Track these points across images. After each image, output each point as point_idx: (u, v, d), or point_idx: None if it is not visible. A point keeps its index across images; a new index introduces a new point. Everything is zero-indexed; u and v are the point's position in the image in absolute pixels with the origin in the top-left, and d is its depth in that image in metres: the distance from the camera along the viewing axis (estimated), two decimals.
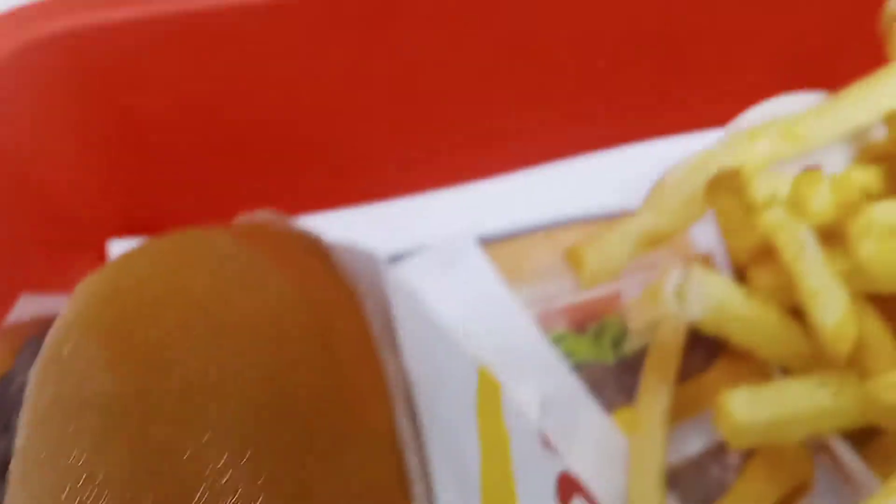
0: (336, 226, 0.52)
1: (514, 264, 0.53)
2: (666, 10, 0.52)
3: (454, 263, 0.52)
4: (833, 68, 0.55)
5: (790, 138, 0.44)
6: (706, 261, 0.53)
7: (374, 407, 0.24)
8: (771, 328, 0.39)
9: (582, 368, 0.49)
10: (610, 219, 0.55)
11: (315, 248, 0.29)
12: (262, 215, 0.31)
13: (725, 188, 0.39)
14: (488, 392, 0.33)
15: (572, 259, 0.44)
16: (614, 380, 0.49)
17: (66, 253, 0.51)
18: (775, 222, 0.40)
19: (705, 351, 0.49)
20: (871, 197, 0.47)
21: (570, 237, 0.54)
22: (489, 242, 0.53)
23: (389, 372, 0.25)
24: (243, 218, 0.32)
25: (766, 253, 0.41)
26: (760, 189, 0.43)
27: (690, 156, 0.45)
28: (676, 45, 0.53)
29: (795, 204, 0.40)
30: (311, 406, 0.22)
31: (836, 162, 0.55)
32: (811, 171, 0.52)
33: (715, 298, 0.39)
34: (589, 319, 0.51)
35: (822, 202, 0.40)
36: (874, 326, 0.38)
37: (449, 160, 0.52)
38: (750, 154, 0.44)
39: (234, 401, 0.21)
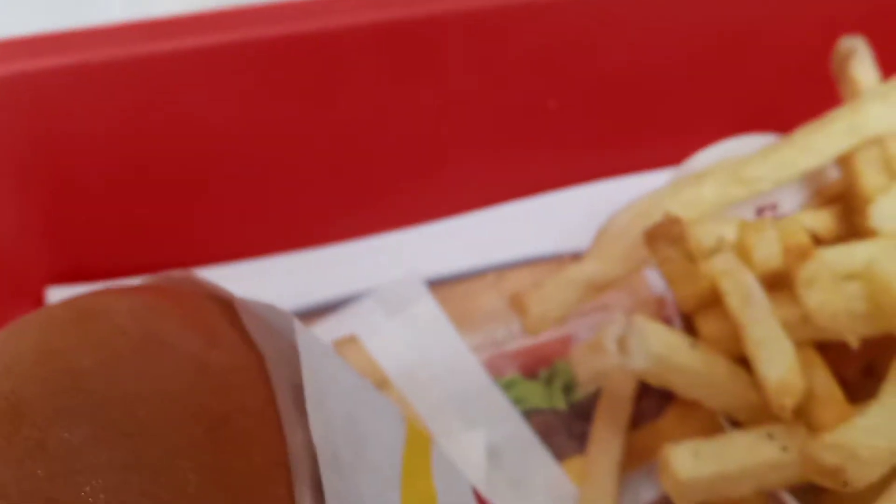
0: (278, 272, 0.52)
1: (464, 308, 0.52)
2: (618, 51, 0.52)
3: (402, 307, 0.50)
4: (786, 109, 0.55)
5: (737, 182, 0.44)
6: (660, 303, 0.52)
7: (271, 485, 0.23)
8: (717, 379, 0.38)
9: (533, 415, 0.48)
10: (561, 260, 0.54)
11: (226, 310, 0.28)
12: (177, 274, 0.30)
13: (665, 237, 0.38)
14: (416, 446, 0.32)
15: (516, 306, 0.43)
16: (566, 427, 0.48)
17: (3, 300, 0.50)
18: (721, 269, 0.39)
19: (658, 397, 0.48)
20: (823, 240, 0.47)
21: (521, 279, 0.54)
22: (437, 285, 0.52)
23: (294, 444, 0.24)
24: (158, 276, 0.31)
25: (713, 300, 0.40)
26: (706, 235, 0.43)
27: (635, 200, 0.44)
28: (628, 86, 0.53)
29: (741, 251, 0.40)
30: (198, 494, 0.21)
31: (793, 201, 0.54)
32: (758, 219, 0.52)
33: (658, 349, 0.37)
34: (540, 364, 0.50)
35: (767, 250, 0.39)
36: (823, 377, 0.37)
37: (394, 203, 0.51)
38: (696, 199, 0.43)
39: (110, 491, 0.20)
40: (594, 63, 0.52)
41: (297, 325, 0.29)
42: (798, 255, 0.40)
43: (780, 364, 0.35)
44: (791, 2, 0.52)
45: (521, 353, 0.50)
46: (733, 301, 0.38)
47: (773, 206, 0.52)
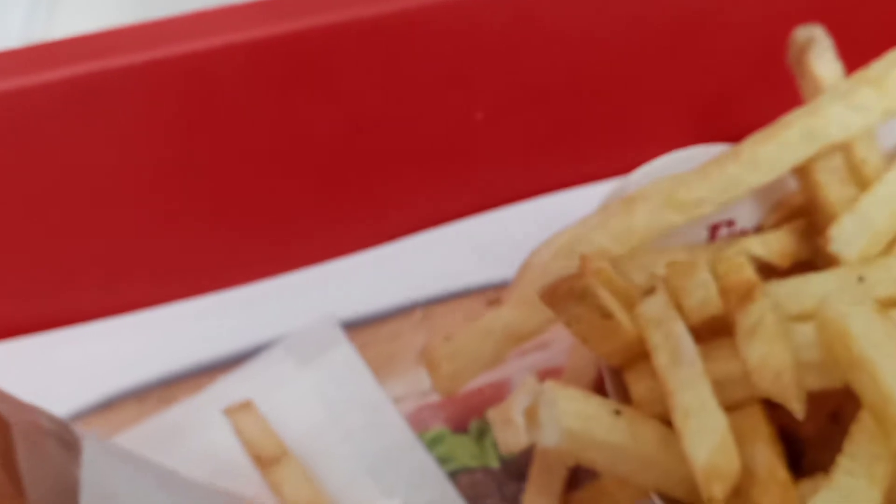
0: (169, 324, 0.46)
1: (387, 352, 0.46)
2: (549, 53, 0.46)
3: (316, 355, 0.45)
4: (744, 108, 0.49)
5: (673, 207, 0.38)
6: None
7: None
8: (646, 452, 0.33)
9: (461, 475, 0.43)
10: (498, 291, 0.49)
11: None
12: None
13: (568, 295, 0.32)
14: None
15: (426, 362, 0.38)
16: (498, 488, 0.43)
17: None
18: (649, 317, 0.34)
19: None
20: (778, 268, 0.41)
21: (452, 316, 0.48)
22: (356, 327, 0.47)
23: None
24: None
25: (645, 352, 0.35)
26: (636, 272, 0.37)
27: (557, 233, 0.39)
28: (563, 91, 0.47)
29: (672, 296, 0.34)
30: None
31: (751, 215, 0.48)
32: (710, 241, 0.46)
33: (572, 423, 0.32)
34: (471, 415, 0.45)
35: (702, 295, 0.33)
36: (765, 452, 0.31)
37: (304, 237, 0.46)
38: (625, 230, 0.37)
39: None
40: (523, 67, 0.46)
41: (92, 452, 0.24)
42: (740, 297, 0.34)
43: (710, 441, 0.29)
44: None
45: (449, 403, 0.44)
46: (661, 358, 0.32)
47: (730, 223, 0.46)
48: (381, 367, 0.45)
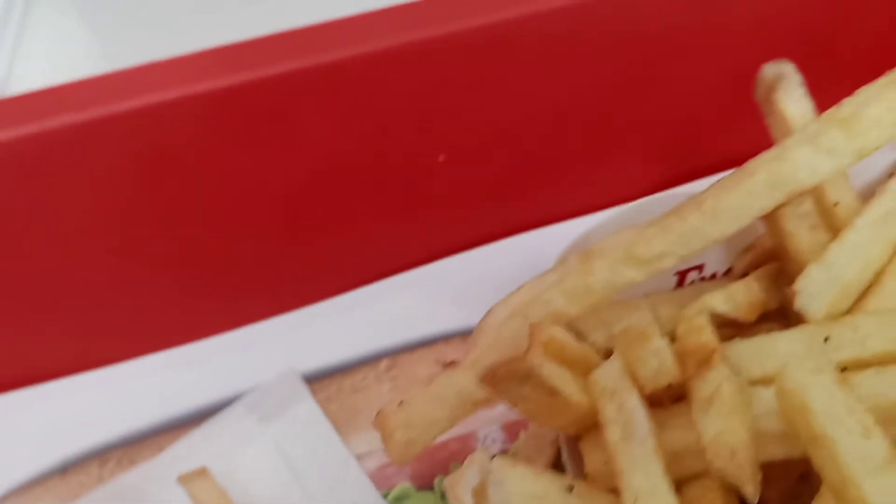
0: (146, 373, 0.45)
1: (351, 405, 0.45)
2: (516, 96, 0.44)
3: (278, 412, 0.44)
4: (711, 146, 0.47)
5: (632, 262, 0.36)
6: None
7: None
8: None
9: None
10: (465, 337, 0.47)
11: None
12: None
13: (511, 377, 0.31)
14: None
15: (381, 429, 0.36)
16: None
17: None
18: (602, 387, 0.32)
19: None
20: (744, 323, 0.39)
21: (420, 365, 0.47)
22: (320, 380, 0.46)
23: None
24: None
25: (598, 424, 0.33)
26: (595, 331, 0.35)
27: (513, 292, 0.37)
28: (530, 134, 0.45)
29: (626, 364, 0.32)
30: None
31: (720, 259, 0.46)
32: (677, 288, 0.45)
33: (523, 501, 0.31)
34: (436, 471, 0.44)
35: (657, 364, 0.32)
36: None
37: (264, 287, 0.45)
38: (581, 288, 0.36)
39: None
40: (485, 108, 0.44)
41: None
42: (697, 363, 0.32)
43: None
44: (702, 28, 0.43)
45: (413, 459, 0.43)
46: (613, 434, 0.31)
47: (699, 268, 0.45)
48: (345, 422, 0.44)
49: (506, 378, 0.29)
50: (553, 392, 0.30)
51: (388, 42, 0.41)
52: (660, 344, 0.32)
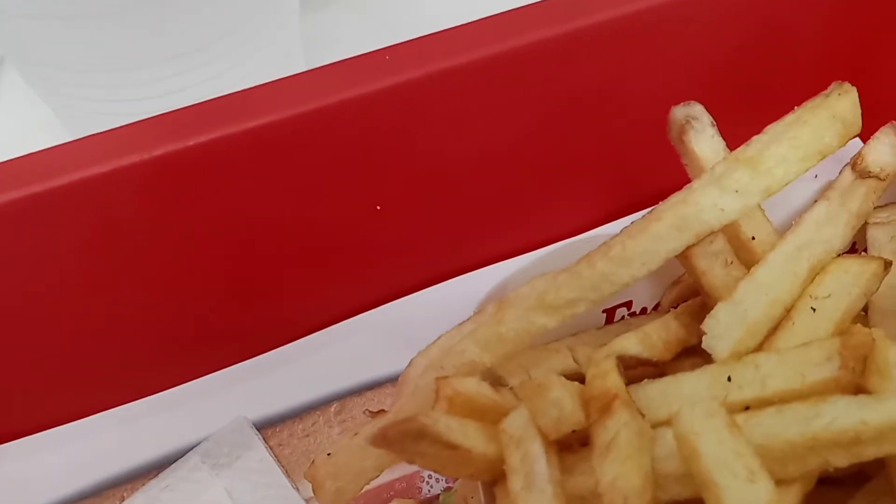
0: (99, 428, 0.47)
1: (303, 449, 0.47)
2: (448, 140, 0.46)
3: (230, 460, 0.46)
4: (651, 181, 0.48)
5: (544, 310, 0.37)
6: None
7: None
8: None
9: None
10: None
11: None
12: None
13: (406, 436, 0.32)
14: None
15: (311, 480, 0.38)
16: None
17: None
18: (509, 436, 0.33)
19: None
20: (658, 362, 0.40)
21: (366, 407, 0.48)
22: (271, 427, 0.47)
23: None
24: None
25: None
26: (510, 376, 0.37)
27: (431, 344, 0.38)
28: (466, 177, 0.46)
29: (532, 414, 0.34)
30: None
31: (647, 294, 0.47)
32: (605, 326, 0.46)
33: None
34: None
35: (558, 413, 0.33)
36: None
37: (208, 341, 0.46)
38: (495, 338, 0.37)
39: None
40: (417, 154, 0.46)
41: None
42: (599, 409, 0.33)
43: None
44: (624, 72, 0.44)
45: (362, 499, 0.45)
46: (516, 483, 0.32)
47: (627, 304, 0.46)
48: (298, 466, 0.46)
49: (399, 438, 0.31)
50: (452, 446, 0.31)
51: (313, 104, 0.42)
52: (559, 394, 0.33)
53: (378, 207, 0.47)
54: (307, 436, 0.46)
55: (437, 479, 0.45)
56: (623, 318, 0.45)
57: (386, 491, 0.45)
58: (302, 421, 0.47)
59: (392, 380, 0.48)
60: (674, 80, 0.45)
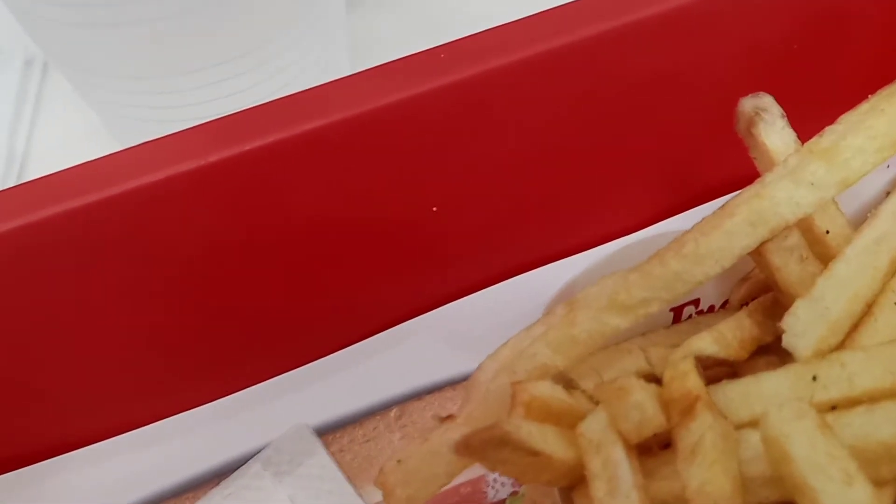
0: (162, 437, 0.47)
1: (364, 455, 0.46)
2: (504, 138, 0.45)
3: (292, 467, 0.45)
4: (706, 173, 0.47)
5: (616, 310, 0.36)
6: None
7: None
8: None
9: None
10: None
11: None
12: None
13: (488, 444, 0.31)
14: None
15: (381, 487, 0.37)
16: None
17: None
18: (588, 440, 0.33)
19: None
20: (736, 361, 0.39)
21: (428, 412, 0.48)
22: (332, 433, 0.47)
23: None
24: None
25: (587, 478, 0.34)
26: (583, 379, 0.36)
27: (501, 347, 0.38)
28: (523, 175, 0.46)
29: (611, 417, 0.33)
30: None
31: (716, 292, 0.46)
32: (673, 325, 0.45)
33: None
34: None
35: (639, 416, 0.32)
36: None
37: (268, 347, 0.46)
38: (567, 341, 0.36)
39: None
40: (474, 154, 0.45)
41: None
42: (681, 412, 0.33)
43: None
44: (684, 63, 0.43)
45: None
46: (599, 489, 0.31)
47: (695, 302, 0.45)
48: (359, 472, 0.45)
49: (482, 446, 0.30)
50: (534, 453, 0.31)
51: (369, 104, 0.42)
52: (640, 397, 0.32)
53: (434, 209, 0.46)
54: (368, 441, 0.46)
55: (502, 483, 0.44)
56: (690, 316, 0.44)
57: (451, 496, 0.44)
58: (362, 426, 0.46)
59: (452, 383, 0.48)
60: (733, 71, 0.44)
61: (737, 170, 0.42)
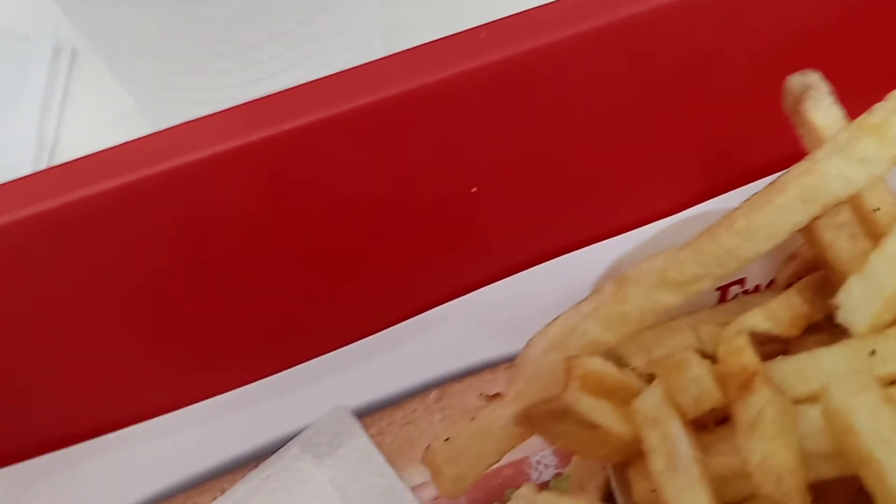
0: (201, 419, 0.47)
1: (404, 437, 0.46)
2: (544, 119, 0.44)
3: (332, 449, 0.45)
4: (752, 153, 0.47)
5: (666, 287, 0.36)
6: None
7: None
8: None
9: None
10: (510, 365, 0.48)
11: None
12: None
13: (547, 416, 0.31)
14: None
15: (429, 465, 0.37)
16: None
17: None
18: (644, 416, 0.32)
19: None
20: (788, 338, 0.38)
21: (468, 394, 0.47)
22: (371, 415, 0.46)
23: None
24: None
25: (643, 453, 0.33)
26: (635, 357, 0.36)
27: (550, 324, 0.37)
28: (562, 156, 0.45)
29: (667, 392, 0.32)
30: None
31: (763, 271, 0.46)
32: (718, 304, 0.44)
33: None
34: (492, 498, 0.44)
35: (697, 391, 0.32)
36: None
37: (308, 329, 0.46)
38: (617, 317, 0.36)
39: None
40: (513, 135, 0.45)
41: None
42: (739, 387, 0.32)
43: None
44: (728, 40, 0.43)
45: (469, 486, 0.44)
46: (657, 463, 0.31)
47: (741, 281, 0.44)
48: (399, 454, 0.45)
49: (543, 417, 0.30)
50: (592, 426, 0.30)
51: (410, 84, 0.41)
52: (698, 371, 0.32)
53: (474, 189, 0.46)
54: (407, 424, 0.46)
55: (545, 465, 0.44)
56: (736, 296, 0.44)
57: (494, 478, 0.44)
58: (401, 409, 0.46)
59: (492, 365, 0.47)
60: (778, 50, 0.43)
61: (782, 150, 0.42)
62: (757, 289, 0.45)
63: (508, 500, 0.43)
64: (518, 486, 0.44)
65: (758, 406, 0.31)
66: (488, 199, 0.46)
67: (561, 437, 0.31)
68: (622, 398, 0.34)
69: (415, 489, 0.44)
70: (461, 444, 0.37)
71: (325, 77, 0.44)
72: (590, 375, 0.32)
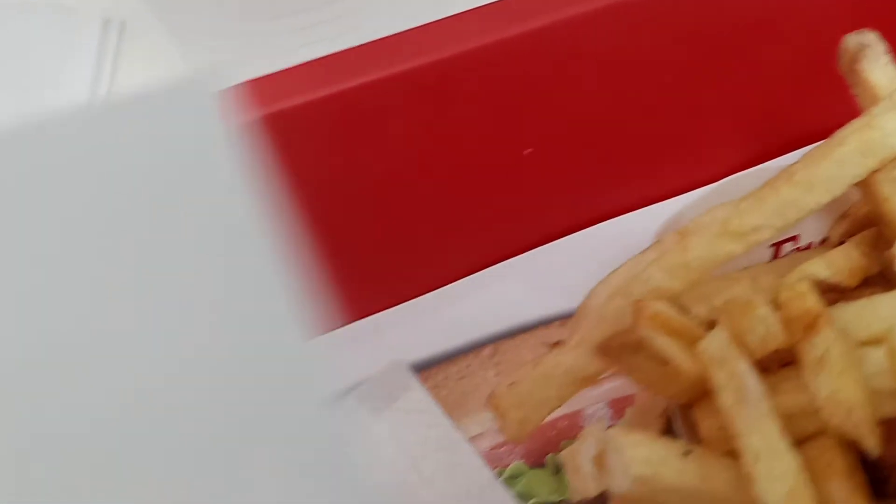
0: None
1: (459, 391, 0.47)
2: (598, 83, 0.46)
3: (389, 402, 0.46)
4: (803, 121, 0.48)
5: (729, 237, 0.37)
6: None
7: None
8: (718, 493, 0.32)
9: None
10: (564, 321, 0.49)
11: None
12: None
13: (623, 347, 0.32)
14: None
15: (494, 409, 0.38)
16: None
17: None
18: (711, 357, 0.33)
19: None
20: (846, 288, 0.39)
21: (521, 350, 0.49)
22: (427, 369, 0.48)
23: None
24: None
25: (709, 392, 0.34)
26: (698, 304, 0.37)
27: (613, 272, 0.39)
28: (615, 119, 0.46)
29: (732, 333, 0.33)
30: None
31: (816, 228, 0.47)
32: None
33: (641, 468, 0.32)
34: (547, 448, 0.45)
35: (763, 331, 0.33)
36: (841, 486, 0.31)
37: (366, 281, 0.47)
38: (681, 264, 0.37)
39: None
40: (567, 98, 0.46)
41: None
42: (804, 328, 0.33)
43: (782, 486, 0.29)
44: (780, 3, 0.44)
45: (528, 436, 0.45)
46: (726, 399, 0.32)
47: (794, 238, 0.45)
48: (454, 407, 0.46)
49: (619, 349, 0.31)
50: (664, 361, 0.32)
51: (465, 45, 0.43)
52: (764, 311, 0.33)
53: (527, 151, 0.47)
54: (462, 378, 0.47)
55: (599, 417, 0.45)
56: (789, 253, 0.45)
57: (549, 430, 0.45)
58: (456, 364, 0.47)
59: (543, 323, 0.48)
60: (833, 10, 0.44)
61: (834, 114, 0.43)
62: (809, 246, 0.46)
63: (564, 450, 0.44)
64: (573, 438, 0.46)
65: (823, 346, 0.32)
66: (541, 162, 0.47)
67: (635, 371, 0.32)
68: (687, 341, 0.35)
69: (472, 440, 0.45)
70: (525, 390, 0.38)
71: (383, 37, 0.45)
72: (658, 316, 0.34)
